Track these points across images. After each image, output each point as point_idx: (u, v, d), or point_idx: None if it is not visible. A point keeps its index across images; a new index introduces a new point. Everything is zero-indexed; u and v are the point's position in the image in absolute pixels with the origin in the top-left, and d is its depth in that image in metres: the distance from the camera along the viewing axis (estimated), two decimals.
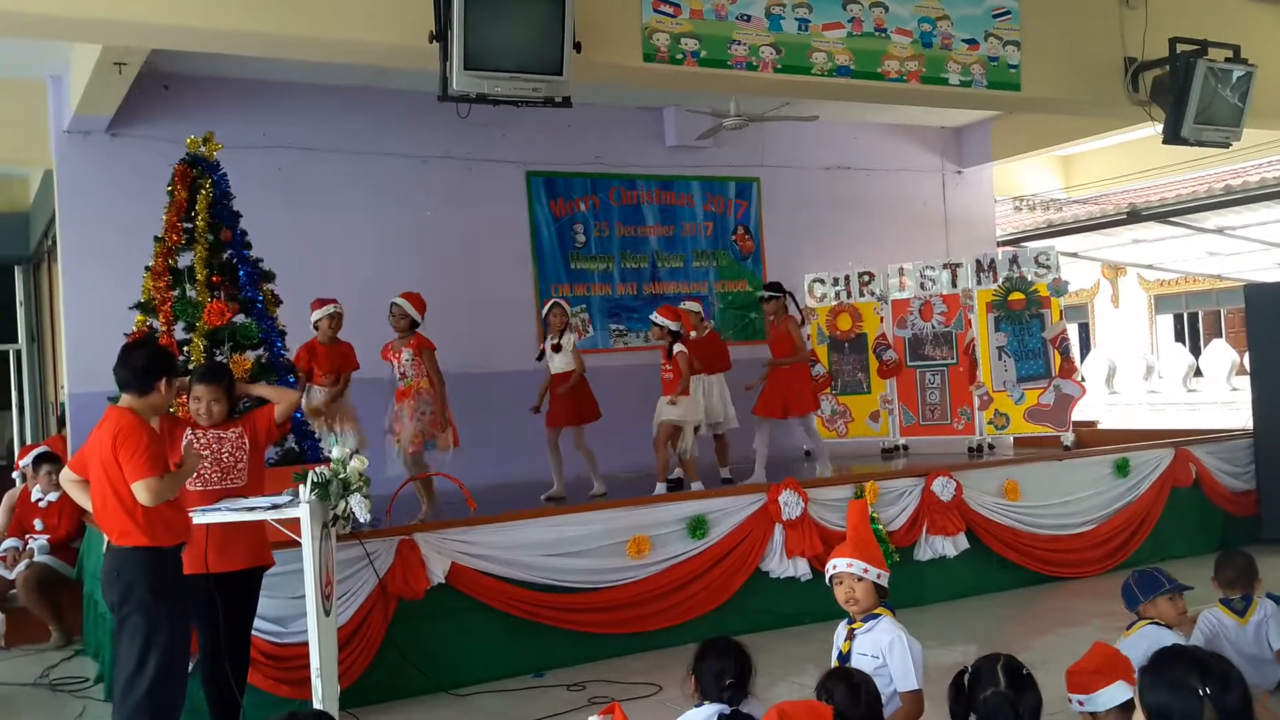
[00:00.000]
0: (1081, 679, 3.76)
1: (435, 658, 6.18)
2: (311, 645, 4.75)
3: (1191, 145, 8.97)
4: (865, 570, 4.06)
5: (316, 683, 4.74)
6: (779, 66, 7.52)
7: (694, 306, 9.18)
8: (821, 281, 10.74)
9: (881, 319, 10.37)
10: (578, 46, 6.46)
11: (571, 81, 6.47)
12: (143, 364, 4.58)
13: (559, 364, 8.47)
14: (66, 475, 4.76)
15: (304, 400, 7.46)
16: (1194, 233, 16.58)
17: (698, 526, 7.00)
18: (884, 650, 3.97)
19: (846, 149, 12.25)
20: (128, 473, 4.36)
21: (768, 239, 11.90)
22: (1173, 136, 8.74)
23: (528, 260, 10.69)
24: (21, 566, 7.65)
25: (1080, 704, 3.76)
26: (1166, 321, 23.55)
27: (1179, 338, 23.18)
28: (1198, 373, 20.69)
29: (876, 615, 4.06)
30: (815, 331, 10.58)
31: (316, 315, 7.66)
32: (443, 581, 6.17)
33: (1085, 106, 9.38)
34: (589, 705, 5.72)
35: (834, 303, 10.58)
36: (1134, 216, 15.15)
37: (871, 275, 10.47)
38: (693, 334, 8.84)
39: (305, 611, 4.86)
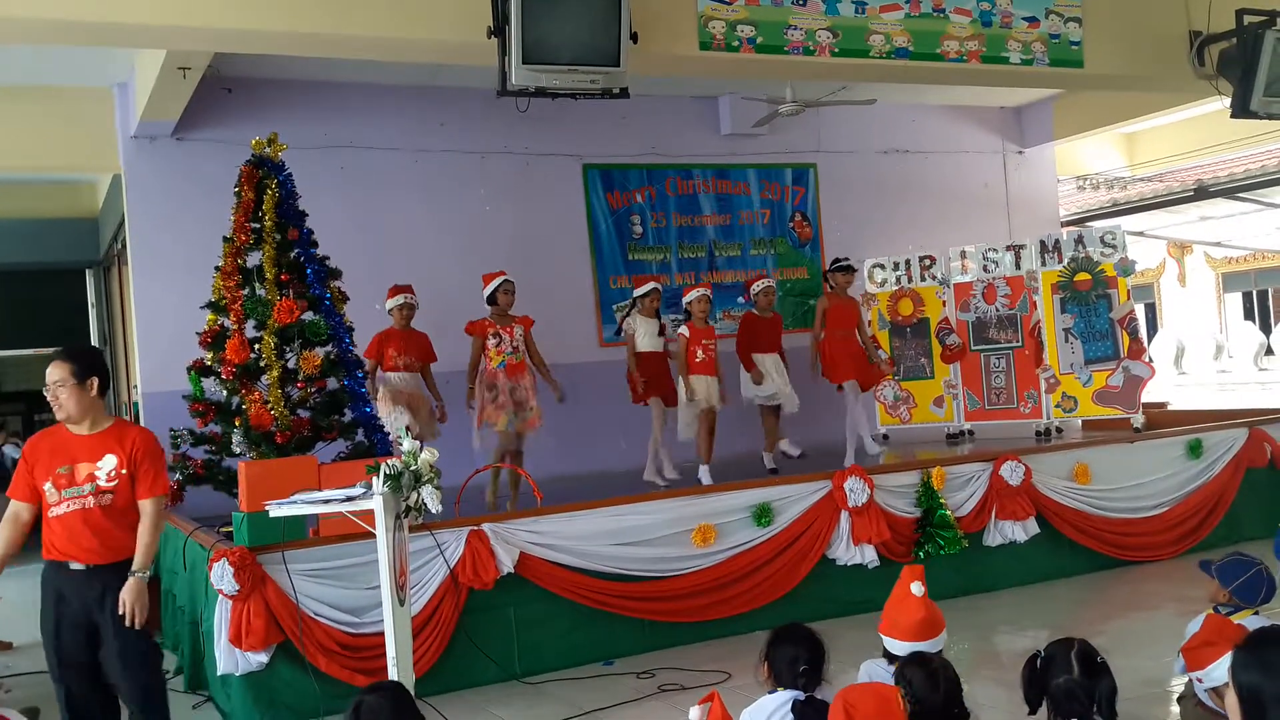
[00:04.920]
0: (1196, 655, 3.67)
1: (506, 646, 6.23)
2: (387, 635, 4.81)
3: (1261, 119, 8.77)
4: None
5: (393, 671, 4.80)
6: (836, 50, 7.48)
7: (772, 284, 9.43)
8: (882, 266, 10.64)
9: (944, 303, 10.26)
10: (634, 37, 6.47)
11: (628, 72, 6.49)
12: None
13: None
14: None
15: (377, 386, 7.63)
16: (1263, 208, 16.23)
17: (763, 514, 6.98)
18: None
19: (904, 132, 12.14)
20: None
21: (826, 225, 11.82)
22: (1241, 110, 8.56)
23: (585, 252, 10.72)
24: None
25: (1199, 681, 3.69)
26: (1235, 300, 22.97)
27: (1249, 316, 22.60)
28: (1269, 351, 20.22)
29: None
30: (876, 317, 10.50)
31: (391, 303, 7.88)
32: (512, 571, 6.21)
33: (1150, 82, 9.20)
34: (659, 693, 5.76)
35: (894, 288, 10.49)
36: (1201, 193, 14.85)
37: (933, 259, 10.35)
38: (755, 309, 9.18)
39: (379, 602, 4.92)
